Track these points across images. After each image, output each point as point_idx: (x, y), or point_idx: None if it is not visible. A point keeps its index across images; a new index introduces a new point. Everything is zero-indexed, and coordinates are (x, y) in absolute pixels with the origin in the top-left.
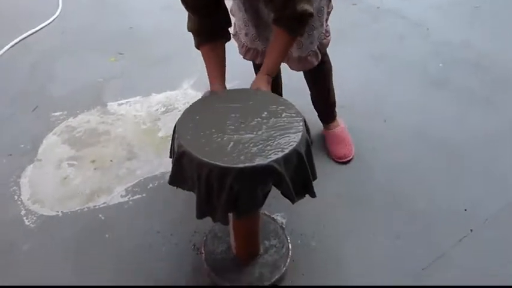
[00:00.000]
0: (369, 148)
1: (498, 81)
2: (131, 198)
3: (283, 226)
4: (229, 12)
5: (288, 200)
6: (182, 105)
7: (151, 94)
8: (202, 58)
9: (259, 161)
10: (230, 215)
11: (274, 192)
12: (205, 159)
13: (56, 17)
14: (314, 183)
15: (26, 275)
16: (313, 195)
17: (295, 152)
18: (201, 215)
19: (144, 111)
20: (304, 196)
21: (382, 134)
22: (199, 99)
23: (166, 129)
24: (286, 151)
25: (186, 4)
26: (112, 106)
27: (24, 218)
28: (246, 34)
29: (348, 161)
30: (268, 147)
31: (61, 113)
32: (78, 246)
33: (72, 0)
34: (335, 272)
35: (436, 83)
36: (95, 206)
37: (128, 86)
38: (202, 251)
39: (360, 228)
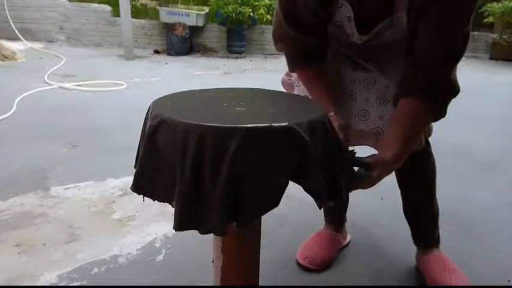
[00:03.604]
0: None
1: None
2: (65, 286)
3: None
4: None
5: None
6: None
7: (106, 179)
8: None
9: (275, 122)
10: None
11: None
12: (195, 121)
13: (7, 117)
14: None
15: None
16: (341, 199)
17: (320, 123)
18: (182, 222)
19: (96, 194)
20: (334, 200)
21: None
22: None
23: (123, 212)
24: (311, 117)
25: (290, 18)
26: (56, 190)
27: None
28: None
29: None
30: (284, 116)
31: None
32: None
33: (27, 104)
34: None
35: None
36: None
37: (78, 172)
38: None
39: None
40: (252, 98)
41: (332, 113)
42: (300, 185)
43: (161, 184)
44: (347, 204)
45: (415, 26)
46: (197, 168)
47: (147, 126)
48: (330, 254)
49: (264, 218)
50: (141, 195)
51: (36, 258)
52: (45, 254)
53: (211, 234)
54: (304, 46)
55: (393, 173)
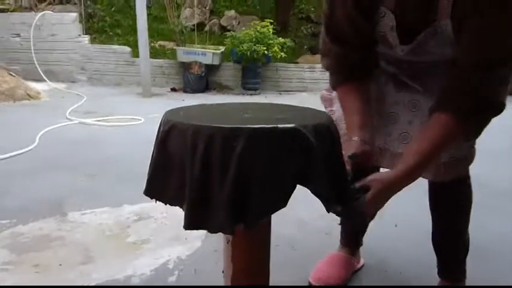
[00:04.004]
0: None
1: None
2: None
3: None
4: None
5: None
6: (160, 214)
7: (122, 205)
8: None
9: (281, 124)
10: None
11: None
12: (205, 124)
13: (30, 150)
14: None
15: None
16: (349, 206)
17: (325, 128)
18: (191, 221)
19: (112, 219)
20: (342, 205)
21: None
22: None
23: (138, 236)
24: (317, 121)
25: (331, 33)
26: (73, 215)
27: None
28: None
29: None
30: (290, 120)
31: (8, 221)
32: None
33: (49, 138)
34: None
35: None
36: None
37: (95, 199)
38: None
39: None
40: (261, 109)
41: (356, 138)
42: (308, 187)
43: (172, 187)
44: (366, 229)
45: (458, 34)
46: (206, 168)
47: (161, 130)
48: (343, 276)
49: (276, 241)
50: (156, 212)
51: (52, 277)
52: (61, 274)
53: (223, 248)
54: (346, 62)
55: (427, 201)
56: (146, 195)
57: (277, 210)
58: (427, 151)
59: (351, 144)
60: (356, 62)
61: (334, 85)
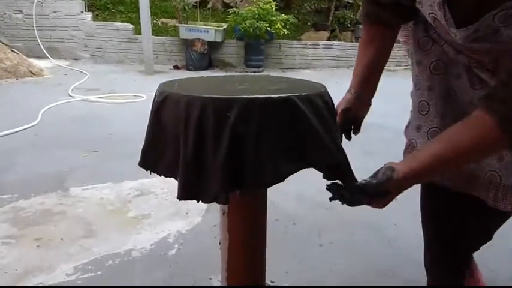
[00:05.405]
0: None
1: None
2: (80, 277)
3: None
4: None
5: None
6: (160, 190)
7: (124, 181)
8: None
9: (275, 94)
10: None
11: None
12: (198, 94)
13: (32, 126)
14: None
15: None
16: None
17: (320, 97)
18: (185, 192)
19: (113, 195)
20: (336, 176)
21: None
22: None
23: (139, 210)
24: (310, 92)
25: None
26: (75, 190)
27: None
28: (419, 127)
29: None
30: (284, 91)
31: (10, 195)
32: None
33: (51, 115)
34: None
35: None
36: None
37: (96, 174)
38: None
39: None
40: (256, 81)
41: (351, 90)
42: (304, 158)
43: (166, 158)
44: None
45: None
46: (199, 139)
47: (155, 101)
48: None
49: (276, 216)
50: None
51: (54, 251)
52: (62, 248)
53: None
54: (377, 11)
55: None
56: (141, 166)
57: (273, 184)
58: (451, 157)
59: (345, 97)
60: (387, 13)
61: (361, 19)
